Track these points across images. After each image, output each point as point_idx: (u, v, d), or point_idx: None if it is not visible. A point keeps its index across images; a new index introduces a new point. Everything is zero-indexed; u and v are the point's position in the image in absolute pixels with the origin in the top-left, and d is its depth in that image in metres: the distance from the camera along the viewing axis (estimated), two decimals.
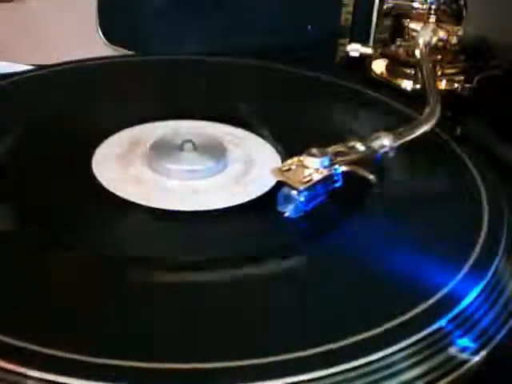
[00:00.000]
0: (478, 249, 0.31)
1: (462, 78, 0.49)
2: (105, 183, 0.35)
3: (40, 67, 0.48)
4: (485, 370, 0.27)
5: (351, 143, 0.34)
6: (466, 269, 0.30)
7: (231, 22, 0.59)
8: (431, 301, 0.28)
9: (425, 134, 0.37)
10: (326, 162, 0.33)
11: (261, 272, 0.30)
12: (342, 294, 0.29)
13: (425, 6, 0.49)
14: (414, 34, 0.48)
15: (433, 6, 0.48)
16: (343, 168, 0.33)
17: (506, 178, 0.37)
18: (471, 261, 0.30)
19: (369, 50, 0.52)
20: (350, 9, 0.59)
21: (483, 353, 0.27)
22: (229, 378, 0.24)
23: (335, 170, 0.33)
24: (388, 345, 0.26)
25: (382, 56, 0.52)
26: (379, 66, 0.52)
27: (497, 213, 0.33)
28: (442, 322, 0.27)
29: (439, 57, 0.49)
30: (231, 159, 0.37)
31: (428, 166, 0.37)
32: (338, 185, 0.33)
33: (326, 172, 0.33)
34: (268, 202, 0.33)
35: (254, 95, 0.45)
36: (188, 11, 0.60)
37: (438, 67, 0.49)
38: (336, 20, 0.59)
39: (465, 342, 0.27)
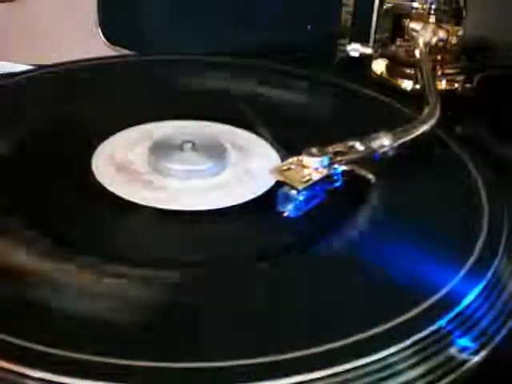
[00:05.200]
0: (477, 249, 0.31)
1: (461, 78, 0.49)
2: (104, 183, 0.35)
3: (40, 67, 0.48)
4: (485, 370, 0.27)
5: (351, 143, 0.34)
6: (465, 269, 0.30)
7: (231, 21, 0.59)
8: (431, 301, 0.28)
9: (424, 133, 0.37)
10: (326, 162, 0.33)
11: (260, 272, 0.30)
12: (341, 294, 0.29)
13: (425, 6, 0.49)
14: (414, 33, 0.48)
15: (433, 6, 0.48)
16: (343, 168, 0.33)
17: (506, 178, 0.37)
18: (471, 261, 0.30)
19: (369, 50, 0.52)
20: (350, 9, 0.59)
21: (483, 353, 0.27)
22: (228, 377, 0.24)
23: (335, 169, 0.33)
24: (388, 345, 0.26)
25: (382, 56, 0.52)
26: (379, 66, 0.52)
27: (497, 213, 0.33)
28: (442, 323, 0.27)
29: (439, 57, 0.48)
30: (231, 159, 0.37)
31: (428, 165, 0.37)
32: (337, 184, 0.33)
33: (325, 172, 0.33)
34: (267, 201, 0.33)
35: (253, 95, 0.45)
36: (188, 11, 0.60)
37: (438, 67, 0.49)
38: (336, 20, 0.59)
39: (464, 342, 0.27)
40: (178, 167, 0.36)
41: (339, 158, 0.33)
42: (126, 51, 0.61)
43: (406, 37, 0.50)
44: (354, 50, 0.51)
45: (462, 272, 0.29)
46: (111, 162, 0.37)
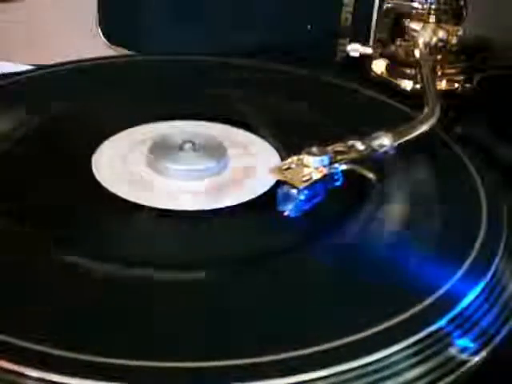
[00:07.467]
0: (477, 249, 0.31)
1: (461, 77, 0.49)
2: (104, 183, 0.35)
3: (40, 67, 0.48)
4: (485, 370, 0.27)
5: (351, 142, 0.34)
6: (465, 269, 0.30)
7: (231, 21, 0.59)
8: (430, 301, 0.28)
9: (424, 133, 0.37)
10: (326, 161, 0.33)
11: (260, 271, 0.30)
12: (341, 293, 0.29)
13: (425, 6, 0.49)
14: (414, 34, 0.48)
15: (433, 6, 0.49)
16: (343, 167, 0.34)
17: (506, 178, 0.37)
18: (471, 261, 0.30)
19: (369, 50, 0.52)
20: (350, 9, 0.59)
21: (483, 353, 0.27)
22: (228, 377, 0.24)
23: (335, 168, 0.33)
24: (388, 345, 0.25)
25: (382, 56, 0.52)
26: (379, 66, 0.52)
27: (496, 213, 0.33)
28: (442, 323, 0.27)
29: (439, 57, 0.48)
30: (231, 159, 0.37)
31: (427, 165, 0.37)
32: (337, 184, 0.33)
33: (325, 171, 0.33)
34: (268, 201, 0.33)
35: (253, 95, 0.45)
36: (188, 11, 0.60)
37: (438, 67, 0.49)
38: (336, 20, 0.59)
39: (465, 342, 0.27)
40: (178, 167, 0.36)
41: (339, 158, 0.33)
42: (125, 51, 0.61)
43: (406, 37, 0.50)
44: (354, 50, 0.51)
45: (462, 272, 0.29)
46: (111, 163, 0.37)
